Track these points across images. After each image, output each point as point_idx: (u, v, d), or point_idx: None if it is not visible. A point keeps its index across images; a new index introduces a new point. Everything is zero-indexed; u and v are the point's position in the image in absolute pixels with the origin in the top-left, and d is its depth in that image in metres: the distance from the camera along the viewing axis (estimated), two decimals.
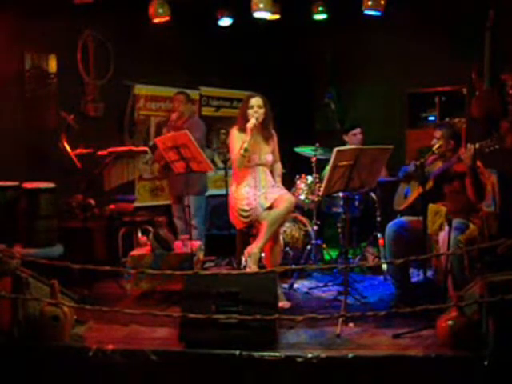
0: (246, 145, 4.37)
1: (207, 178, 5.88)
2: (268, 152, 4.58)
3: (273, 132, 4.66)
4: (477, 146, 4.00)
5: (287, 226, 5.48)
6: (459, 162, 4.17)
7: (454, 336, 3.32)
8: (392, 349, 3.44)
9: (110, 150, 5.18)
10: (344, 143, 5.88)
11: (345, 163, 3.93)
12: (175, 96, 5.75)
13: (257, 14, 5.77)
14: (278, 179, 4.73)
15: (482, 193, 4.16)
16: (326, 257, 5.92)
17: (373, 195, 5.60)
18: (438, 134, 4.34)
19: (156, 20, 5.75)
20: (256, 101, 4.47)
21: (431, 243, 4.26)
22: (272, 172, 4.68)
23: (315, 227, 5.53)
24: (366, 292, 4.72)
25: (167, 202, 5.90)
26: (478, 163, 4.21)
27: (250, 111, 4.46)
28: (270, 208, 4.33)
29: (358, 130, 5.84)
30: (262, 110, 4.47)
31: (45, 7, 5.34)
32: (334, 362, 3.30)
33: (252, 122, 4.39)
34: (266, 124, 4.53)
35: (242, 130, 4.46)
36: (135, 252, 4.83)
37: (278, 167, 4.78)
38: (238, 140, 4.47)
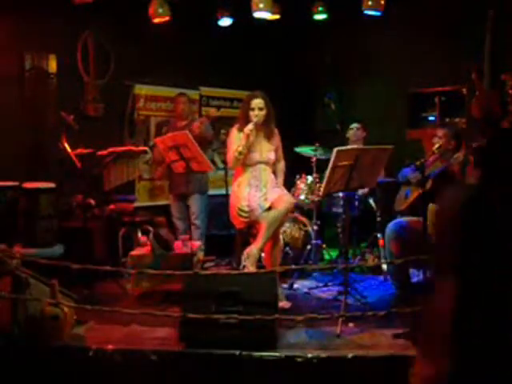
0: (240, 148, 4.37)
1: (208, 178, 5.88)
2: (270, 150, 4.57)
3: (275, 130, 4.65)
4: (474, 145, 4.00)
5: (287, 226, 5.48)
6: (454, 164, 4.18)
7: None
8: (392, 349, 3.44)
9: (110, 149, 5.18)
10: (347, 140, 5.88)
11: (345, 163, 3.93)
12: (178, 98, 5.74)
13: (257, 14, 5.77)
14: (280, 179, 4.72)
15: None
16: (326, 257, 5.93)
17: (371, 201, 5.60)
18: (440, 132, 4.34)
19: (156, 20, 5.74)
20: (257, 103, 4.45)
21: (431, 243, 4.26)
22: (275, 170, 4.68)
23: (315, 227, 5.54)
24: (365, 292, 4.71)
25: (167, 202, 5.90)
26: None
27: (251, 113, 4.45)
28: (269, 209, 4.32)
29: (354, 125, 5.86)
30: (263, 112, 4.45)
31: (45, 7, 5.35)
32: (334, 362, 3.31)
33: (249, 127, 4.38)
34: (267, 122, 4.52)
35: (242, 129, 4.45)
36: (135, 252, 4.83)
37: (282, 166, 4.75)
38: (236, 140, 4.47)
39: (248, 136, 4.37)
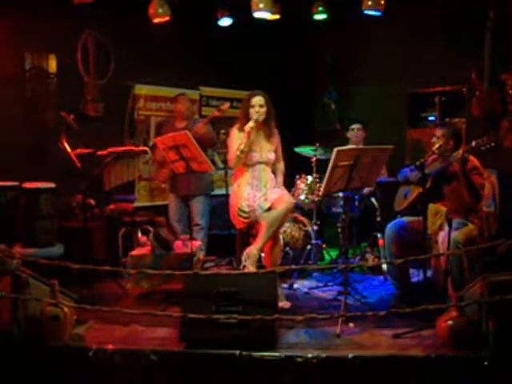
0: (242, 146, 4.36)
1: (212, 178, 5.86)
2: (270, 150, 4.56)
3: (275, 130, 4.63)
4: (473, 144, 4.00)
5: (287, 226, 5.48)
6: (454, 162, 4.18)
7: (454, 336, 3.32)
8: (392, 349, 3.44)
9: (110, 149, 5.18)
10: (347, 140, 5.88)
11: (345, 163, 3.93)
12: (178, 98, 5.74)
13: (257, 14, 5.77)
14: (280, 179, 4.71)
15: (477, 194, 4.15)
16: (326, 257, 5.92)
17: (373, 200, 5.60)
18: (438, 132, 4.34)
19: (156, 20, 5.74)
20: (257, 100, 4.45)
21: (431, 243, 4.26)
22: (274, 171, 4.67)
23: (315, 227, 5.54)
24: (365, 292, 4.71)
25: (167, 202, 5.90)
26: (477, 163, 4.22)
27: (252, 110, 4.45)
28: (270, 209, 4.32)
29: (355, 126, 5.85)
30: (263, 110, 4.45)
31: (45, 7, 5.35)
32: (334, 362, 3.30)
33: (250, 124, 4.37)
34: (267, 122, 4.52)
35: (243, 129, 4.44)
36: (135, 252, 4.83)
37: (281, 166, 4.75)
38: (236, 139, 4.47)
39: (249, 133, 4.36)
